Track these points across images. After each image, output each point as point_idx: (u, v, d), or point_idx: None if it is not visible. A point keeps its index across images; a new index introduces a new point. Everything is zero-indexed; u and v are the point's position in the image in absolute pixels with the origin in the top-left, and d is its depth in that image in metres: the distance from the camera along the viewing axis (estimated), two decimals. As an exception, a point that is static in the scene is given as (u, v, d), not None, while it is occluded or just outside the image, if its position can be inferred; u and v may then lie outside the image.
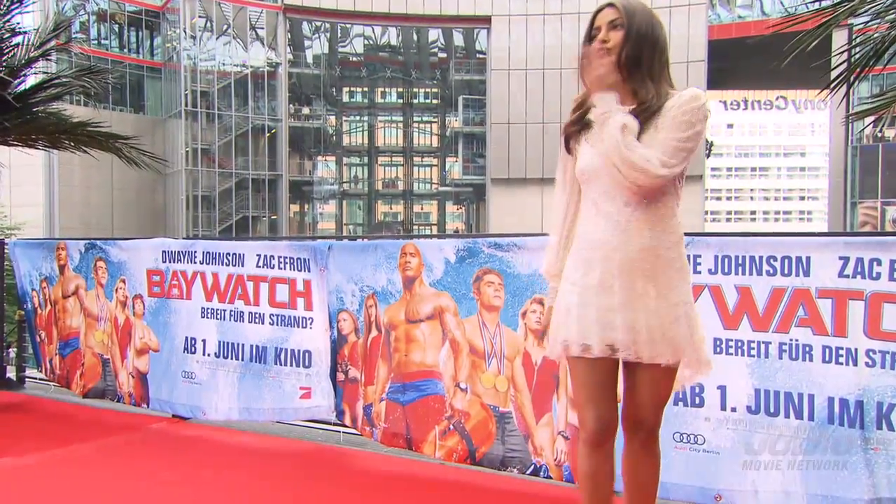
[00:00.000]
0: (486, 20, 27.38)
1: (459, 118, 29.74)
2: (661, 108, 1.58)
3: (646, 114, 1.58)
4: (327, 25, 28.94)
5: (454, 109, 30.26)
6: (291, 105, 28.47)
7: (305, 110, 29.87)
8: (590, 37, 1.65)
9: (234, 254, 3.46)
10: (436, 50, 30.58)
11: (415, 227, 32.35)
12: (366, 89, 32.54)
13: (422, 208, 33.25)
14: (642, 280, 1.56)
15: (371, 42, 30.53)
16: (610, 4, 1.64)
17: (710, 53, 25.51)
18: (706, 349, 1.61)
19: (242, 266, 3.43)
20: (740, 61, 26.66)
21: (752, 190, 37.83)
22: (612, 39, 1.61)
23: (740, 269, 2.14)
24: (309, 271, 3.22)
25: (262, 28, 27.05)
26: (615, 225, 1.57)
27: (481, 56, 28.98)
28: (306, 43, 29.46)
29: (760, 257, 2.12)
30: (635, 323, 1.56)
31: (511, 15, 27.06)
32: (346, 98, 32.56)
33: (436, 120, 32.84)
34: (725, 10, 26.87)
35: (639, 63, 1.60)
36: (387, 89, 32.49)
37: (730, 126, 36.62)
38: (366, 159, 32.95)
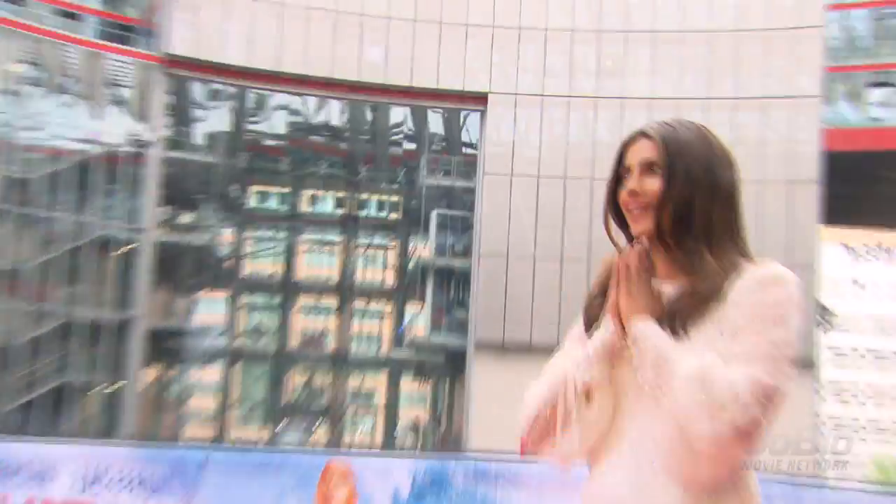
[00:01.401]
0: (481, 99, 27.56)
1: (431, 244, 29.77)
2: (722, 293, 1.68)
3: (699, 303, 1.70)
4: (232, 90, 29.05)
5: (423, 230, 30.30)
6: (164, 208, 28.15)
7: (186, 217, 29.46)
8: (616, 177, 1.81)
9: (38, 465, 3.30)
10: (400, 137, 31.02)
11: (348, 416, 31.65)
12: (286, 191, 32.63)
13: (362, 383, 32.37)
14: None
15: (300, 119, 30.77)
16: (643, 134, 1.78)
17: (827, 171, 25.45)
18: None
19: (51, 483, 3.32)
20: (875, 185, 26.58)
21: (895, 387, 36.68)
22: (647, 190, 1.74)
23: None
24: (166, 497, 2.96)
25: (129, 86, 27.24)
26: (630, 475, 1.70)
27: (469, 151, 29.32)
28: (197, 114, 29.71)
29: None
30: None
31: (518, 93, 27.38)
32: (253, 202, 32.64)
33: (394, 245, 32.96)
34: (851, 109, 27.29)
35: (689, 225, 1.73)
36: (320, 193, 32.72)
37: (858, 284, 36.02)
38: (278, 300, 32.53)
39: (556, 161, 26.87)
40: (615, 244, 1.82)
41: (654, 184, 1.74)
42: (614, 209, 1.82)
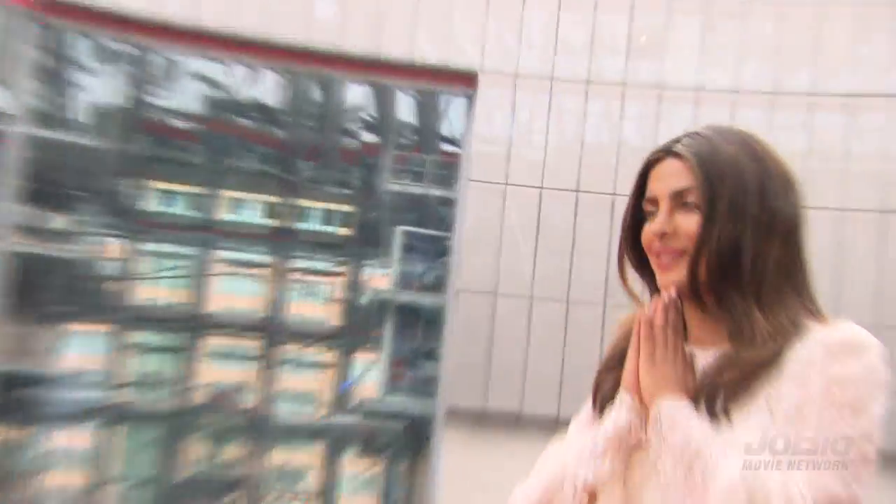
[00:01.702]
0: (469, 79, 27.10)
1: (392, 272, 29.16)
2: (777, 363, 1.74)
3: (746, 376, 1.75)
4: (130, 50, 28.76)
5: (382, 253, 29.90)
6: (24, 207, 27.67)
7: (56, 221, 29.21)
8: (636, 210, 1.91)
9: None
10: (357, 126, 30.41)
11: (269, 502, 31.42)
12: (198, 191, 32.22)
13: (290, 458, 32.17)
14: None
15: (221, 94, 30.36)
16: (672, 153, 1.85)
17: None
18: None
19: None
20: None
21: None
22: (681, 230, 1.82)
23: None
24: None
25: (-19, 39, 27.30)
26: None
27: (450, 149, 28.98)
28: (79, 80, 29.56)
29: None
30: None
31: (519, 74, 27.16)
32: (151, 204, 32.13)
33: (341, 271, 32.45)
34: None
35: (735, 273, 1.79)
36: (244, 195, 32.58)
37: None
38: (179, 340, 32.00)
39: (567, 167, 26.34)
40: (635, 299, 1.88)
41: (690, 222, 1.80)
42: (634, 253, 1.89)
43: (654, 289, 1.89)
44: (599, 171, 26.04)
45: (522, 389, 25.83)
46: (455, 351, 26.69)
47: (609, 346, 1.96)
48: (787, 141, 22.53)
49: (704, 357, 1.81)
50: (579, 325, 25.46)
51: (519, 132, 27.27)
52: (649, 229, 1.85)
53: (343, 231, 32.81)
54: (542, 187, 26.82)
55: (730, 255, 1.78)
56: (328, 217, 33.13)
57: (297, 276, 32.87)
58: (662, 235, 1.82)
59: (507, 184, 26.83)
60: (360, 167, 31.08)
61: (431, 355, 28.09)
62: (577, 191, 26.48)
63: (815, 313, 1.80)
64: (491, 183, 26.82)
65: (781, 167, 1.84)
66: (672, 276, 1.82)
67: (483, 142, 27.35)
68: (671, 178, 1.84)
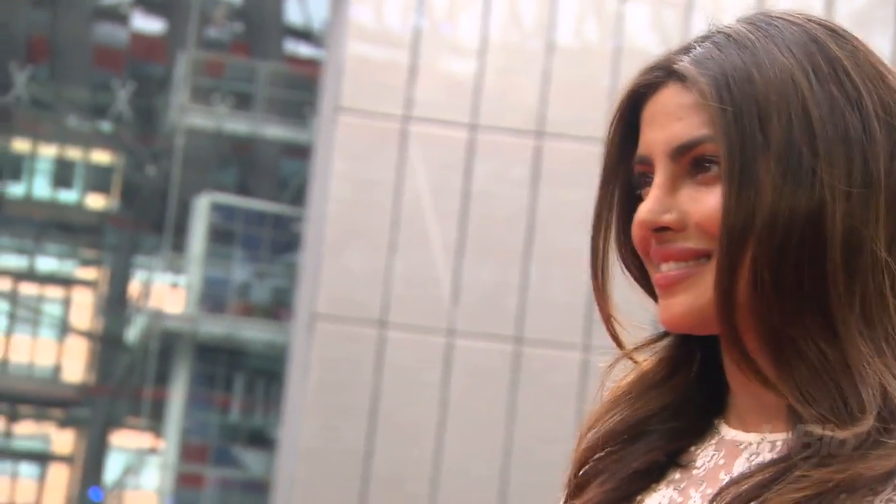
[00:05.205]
0: None
1: (193, 280, 26.28)
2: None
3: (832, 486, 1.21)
4: None
5: (164, 241, 26.95)
6: None
7: None
8: (616, 179, 1.34)
9: None
10: (126, 1, 28.54)
11: None
12: None
13: None
14: None
15: None
16: (672, 73, 1.26)
17: None
18: None
19: None
20: None
21: None
22: (695, 215, 1.26)
23: None
24: None
25: None
26: None
27: (302, 54, 28.43)
28: None
29: None
30: None
31: None
32: None
33: (87, 275, 28.70)
34: None
35: (818, 285, 1.22)
36: None
37: None
38: None
39: (525, 88, 19.83)
40: (616, 339, 1.31)
41: (710, 203, 1.21)
42: (632, 250, 1.33)
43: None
44: (585, 98, 18.39)
45: (434, 499, 16.81)
46: (308, 428, 18.34)
47: (594, 412, 1.35)
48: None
49: (749, 449, 1.20)
50: (539, 380, 17.93)
51: (434, 24, 19.63)
52: (637, 215, 1.23)
53: (96, 202, 27.75)
54: (476, 125, 19.62)
55: (793, 259, 1.16)
56: (65, 174, 27.47)
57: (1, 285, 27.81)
58: (657, 227, 1.20)
59: (410, 117, 19.60)
60: (130, 80, 26.89)
61: (261, 438, 23.04)
62: (540, 132, 19.36)
63: None
64: (380, 116, 19.31)
65: (878, 85, 1.13)
66: (680, 304, 1.18)
67: (367, 41, 19.93)
68: (669, 121, 1.21)
